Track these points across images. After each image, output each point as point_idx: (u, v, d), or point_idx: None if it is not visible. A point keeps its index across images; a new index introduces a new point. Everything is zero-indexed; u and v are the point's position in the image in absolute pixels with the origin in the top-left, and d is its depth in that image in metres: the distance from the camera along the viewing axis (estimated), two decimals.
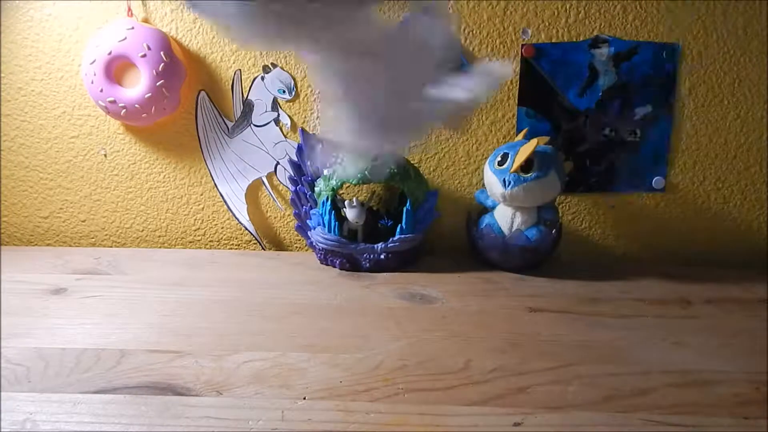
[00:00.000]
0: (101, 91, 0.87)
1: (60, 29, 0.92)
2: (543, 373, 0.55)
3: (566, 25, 0.89)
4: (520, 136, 0.87)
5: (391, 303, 0.72)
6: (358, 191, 0.97)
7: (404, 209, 0.84)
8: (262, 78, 0.93)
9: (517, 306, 0.72)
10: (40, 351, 0.57)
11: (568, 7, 0.89)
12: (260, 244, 0.99)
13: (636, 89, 0.91)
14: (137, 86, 0.88)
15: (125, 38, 0.86)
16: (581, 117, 0.92)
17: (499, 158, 0.83)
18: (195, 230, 1.00)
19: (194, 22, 0.92)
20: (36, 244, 1.01)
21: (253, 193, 0.98)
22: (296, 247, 1.00)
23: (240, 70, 0.93)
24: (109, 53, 0.86)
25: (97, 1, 0.90)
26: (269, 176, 0.97)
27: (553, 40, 0.90)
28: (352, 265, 0.85)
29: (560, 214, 0.88)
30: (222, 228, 0.99)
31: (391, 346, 0.60)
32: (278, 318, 0.67)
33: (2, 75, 0.94)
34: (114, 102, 0.88)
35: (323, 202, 0.85)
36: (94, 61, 0.87)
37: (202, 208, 0.99)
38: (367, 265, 0.85)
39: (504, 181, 0.81)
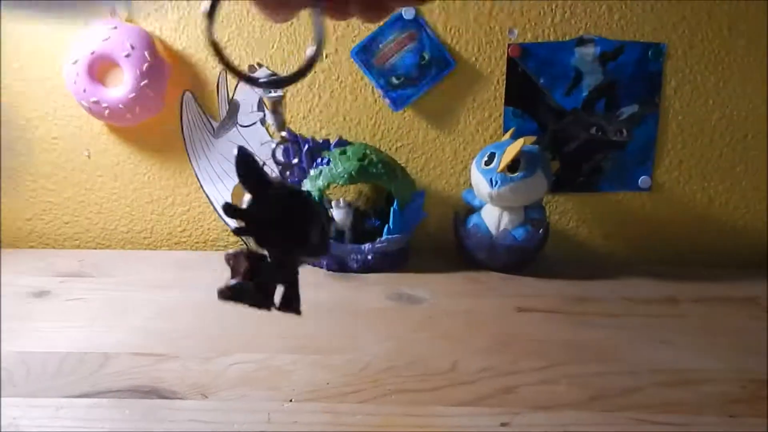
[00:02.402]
0: (84, 91, 0.86)
1: (42, 28, 0.91)
2: (531, 372, 0.55)
3: (552, 24, 0.90)
4: (507, 136, 0.87)
5: (378, 303, 0.72)
6: (345, 191, 0.96)
7: (391, 209, 0.84)
8: None
9: (504, 306, 0.72)
10: (22, 355, 0.56)
11: (554, 7, 0.89)
12: (246, 246, 0.98)
13: (622, 89, 0.91)
14: (121, 86, 0.87)
15: (109, 37, 0.85)
16: (568, 116, 0.92)
17: (485, 158, 0.83)
18: (181, 232, 0.99)
19: (179, 21, 0.91)
20: (19, 247, 0.99)
21: (239, 194, 0.97)
22: None
23: (225, 69, 0.92)
24: (92, 53, 0.85)
25: (82, 1, 0.89)
26: None
27: (540, 40, 0.90)
28: (339, 265, 0.85)
29: (547, 214, 0.88)
30: (208, 229, 0.98)
31: (378, 347, 0.59)
32: (264, 320, 0.66)
33: None
34: (97, 102, 0.87)
35: None
36: (76, 60, 0.86)
37: (188, 210, 0.98)
38: (355, 265, 0.84)
39: (491, 180, 0.81)
